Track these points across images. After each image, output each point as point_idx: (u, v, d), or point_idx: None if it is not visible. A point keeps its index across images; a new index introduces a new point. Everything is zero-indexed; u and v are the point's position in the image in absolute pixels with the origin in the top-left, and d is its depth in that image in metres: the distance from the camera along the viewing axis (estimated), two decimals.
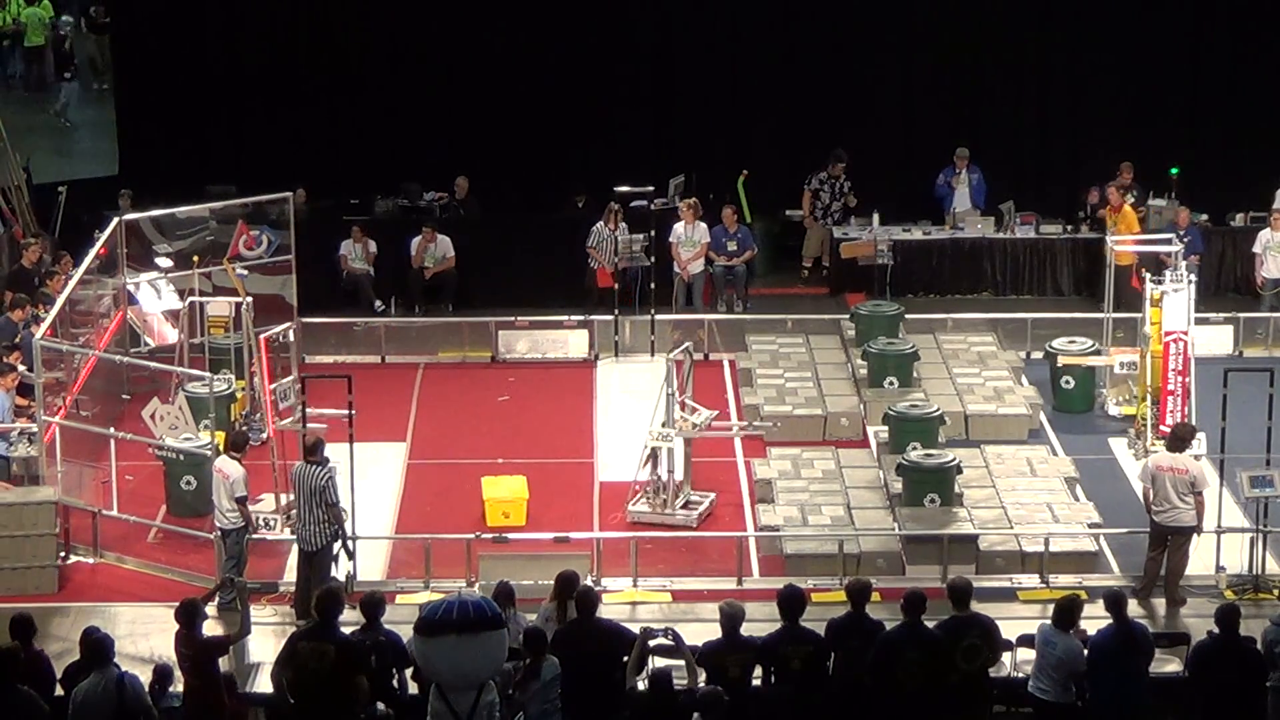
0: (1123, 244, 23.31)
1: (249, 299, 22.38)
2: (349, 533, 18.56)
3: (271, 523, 19.58)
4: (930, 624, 15.30)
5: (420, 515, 20.57)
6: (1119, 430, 22.47)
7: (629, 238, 25.46)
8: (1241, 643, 15.39)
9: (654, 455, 20.24)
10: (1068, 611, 15.46)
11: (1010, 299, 27.34)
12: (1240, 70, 28.76)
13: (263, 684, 16.48)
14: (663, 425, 20.13)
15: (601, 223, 26.36)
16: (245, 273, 23.76)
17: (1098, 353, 23.38)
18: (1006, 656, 15.98)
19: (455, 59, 28.67)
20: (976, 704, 15.27)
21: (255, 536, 19.08)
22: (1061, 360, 23.41)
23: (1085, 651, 15.33)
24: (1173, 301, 21.45)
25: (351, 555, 18.59)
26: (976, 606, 15.60)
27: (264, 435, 20.77)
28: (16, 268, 24.66)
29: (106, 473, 20.15)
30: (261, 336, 21.06)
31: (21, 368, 21.13)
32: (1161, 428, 20.97)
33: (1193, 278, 21.85)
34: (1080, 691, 15.38)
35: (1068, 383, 23.36)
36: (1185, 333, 21.38)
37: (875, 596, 16.09)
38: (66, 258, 24.01)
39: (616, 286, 25.16)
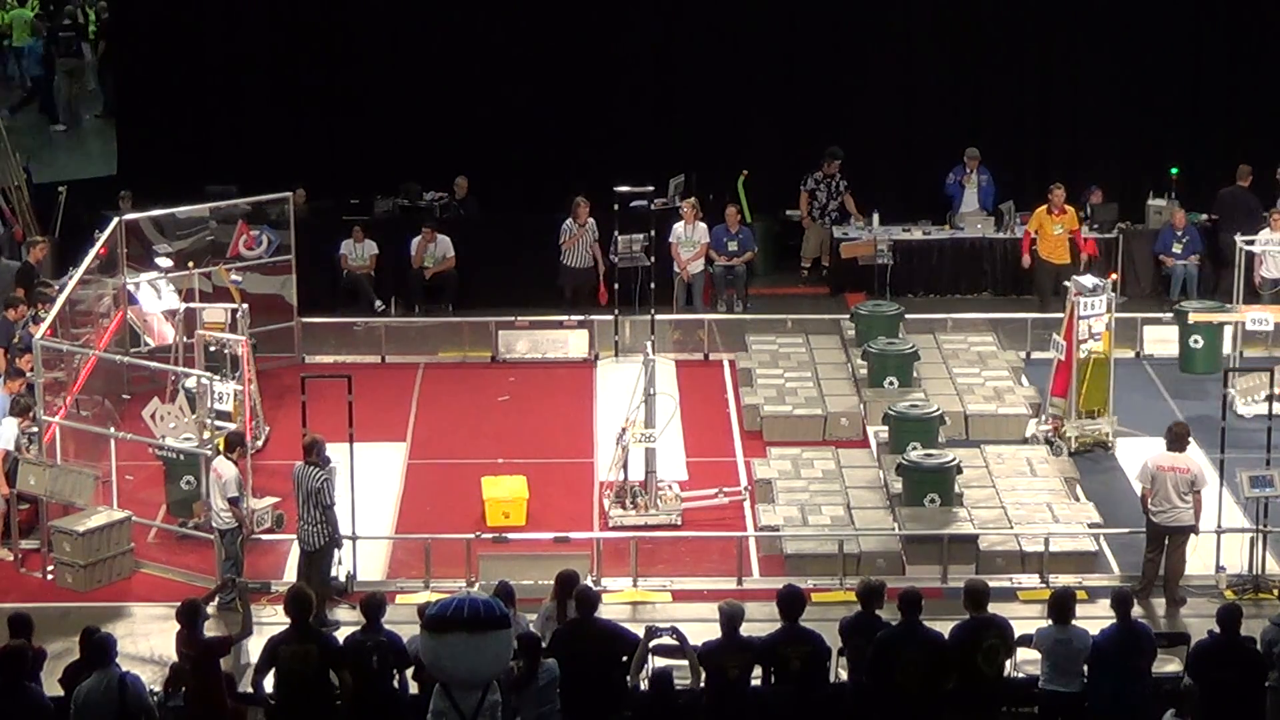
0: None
1: (245, 305, 22.35)
2: (343, 534, 18.61)
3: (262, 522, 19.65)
4: (946, 626, 15.33)
5: (420, 515, 20.57)
6: (1245, 429, 21.47)
7: (609, 234, 25.33)
8: (1241, 643, 15.41)
9: (627, 456, 20.29)
10: (1065, 605, 15.53)
11: (1010, 299, 27.33)
12: (1240, 70, 28.75)
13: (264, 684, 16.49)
14: (645, 426, 20.15)
15: (571, 219, 26.38)
16: (239, 278, 23.73)
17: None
18: None
19: (455, 59, 28.63)
20: (990, 704, 15.31)
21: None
22: (1193, 317, 23.45)
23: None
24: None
25: (340, 561, 18.66)
26: None
27: (259, 441, 20.77)
28: (24, 264, 24.70)
29: (106, 473, 20.14)
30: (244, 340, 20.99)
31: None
32: None
33: (1105, 282, 22.02)
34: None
35: (1195, 341, 23.42)
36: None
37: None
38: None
39: (617, 286, 25.08)
